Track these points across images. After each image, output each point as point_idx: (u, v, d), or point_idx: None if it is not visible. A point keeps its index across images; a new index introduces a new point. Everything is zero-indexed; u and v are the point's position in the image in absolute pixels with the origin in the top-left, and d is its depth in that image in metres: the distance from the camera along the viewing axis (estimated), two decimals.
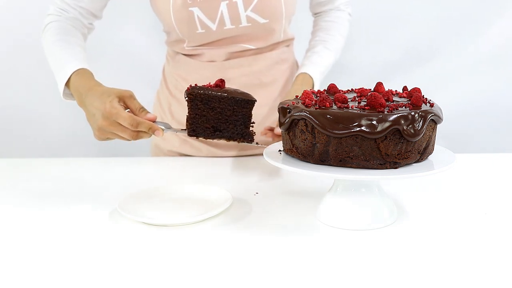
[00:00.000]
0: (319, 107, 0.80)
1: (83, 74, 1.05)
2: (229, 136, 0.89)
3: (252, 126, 0.91)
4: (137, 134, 0.92)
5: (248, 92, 1.27)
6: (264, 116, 1.29)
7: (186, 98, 0.88)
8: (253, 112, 1.27)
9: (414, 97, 0.82)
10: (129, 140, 0.93)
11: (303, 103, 0.83)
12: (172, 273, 0.69)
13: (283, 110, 0.85)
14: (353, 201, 0.85)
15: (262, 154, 1.22)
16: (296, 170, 0.80)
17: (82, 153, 2.07)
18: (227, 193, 0.95)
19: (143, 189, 0.99)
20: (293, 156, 0.85)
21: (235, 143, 1.30)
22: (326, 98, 0.81)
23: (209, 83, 0.92)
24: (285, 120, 0.83)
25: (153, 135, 0.93)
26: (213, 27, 1.18)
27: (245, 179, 1.12)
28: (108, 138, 0.95)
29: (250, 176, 1.14)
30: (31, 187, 1.09)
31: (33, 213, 0.93)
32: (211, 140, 0.93)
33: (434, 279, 0.67)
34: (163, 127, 0.93)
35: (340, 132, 0.76)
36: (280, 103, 0.88)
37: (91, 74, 1.06)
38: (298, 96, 0.91)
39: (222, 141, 1.29)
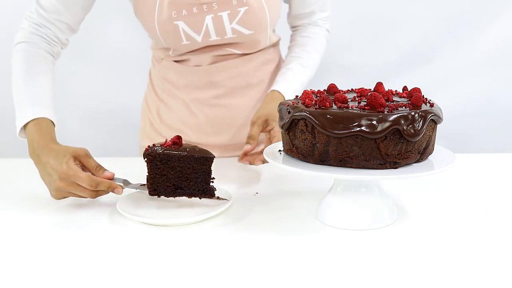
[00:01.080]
0: (319, 107, 0.80)
1: (41, 125, 1.00)
2: (190, 193, 0.91)
3: (212, 182, 0.92)
4: (96, 193, 0.92)
5: (237, 94, 1.27)
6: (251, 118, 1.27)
7: (145, 159, 0.89)
8: (238, 114, 1.27)
9: (414, 97, 0.82)
10: (87, 198, 0.93)
11: (303, 103, 0.83)
12: (172, 273, 0.69)
13: (283, 111, 0.85)
14: (353, 201, 0.85)
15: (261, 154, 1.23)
16: (296, 170, 0.80)
17: None
18: (227, 193, 0.95)
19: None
20: (293, 156, 0.85)
21: (227, 143, 1.31)
22: (326, 98, 0.81)
23: (166, 140, 0.93)
24: (285, 120, 0.83)
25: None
26: (198, 39, 1.18)
27: (245, 179, 1.12)
28: (65, 197, 0.95)
29: (250, 176, 1.14)
30: (31, 187, 1.08)
31: (33, 213, 0.93)
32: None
33: (434, 279, 0.67)
34: (121, 184, 0.94)
35: (340, 132, 0.76)
36: (280, 103, 0.88)
37: (50, 124, 1.02)
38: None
39: (213, 144, 1.30)
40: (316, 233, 0.82)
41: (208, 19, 1.15)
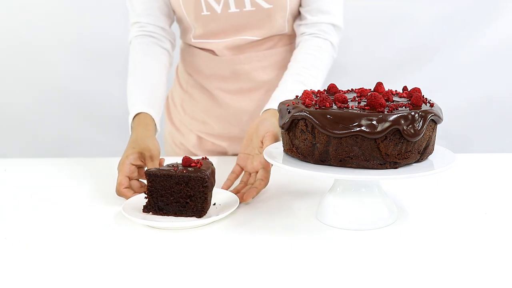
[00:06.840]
0: (319, 107, 0.80)
1: (140, 121, 1.11)
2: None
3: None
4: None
5: (261, 88, 1.29)
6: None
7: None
8: (262, 107, 1.26)
9: (414, 97, 0.82)
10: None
11: (303, 103, 0.83)
12: (175, 275, 0.69)
13: (283, 110, 0.85)
14: (353, 201, 0.85)
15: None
16: (296, 170, 0.80)
17: (82, 153, 2.07)
18: (233, 196, 0.93)
19: None
20: (293, 156, 0.85)
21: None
22: (326, 98, 0.81)
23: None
24: (285, 120, 0.83)
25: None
26: (218, 9, 1.19)
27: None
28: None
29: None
30: (31, 187, 1.08)
31: (33, 215, 0.93)
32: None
33: (434, 279, 0.67)
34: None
35: (340, 132, 0.76)
36: (281, 103, 0.88)
37: (149, 118, 1.11)
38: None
39: (235, 136, 1.35)
40: (316, 233, 0.82)
41: None
